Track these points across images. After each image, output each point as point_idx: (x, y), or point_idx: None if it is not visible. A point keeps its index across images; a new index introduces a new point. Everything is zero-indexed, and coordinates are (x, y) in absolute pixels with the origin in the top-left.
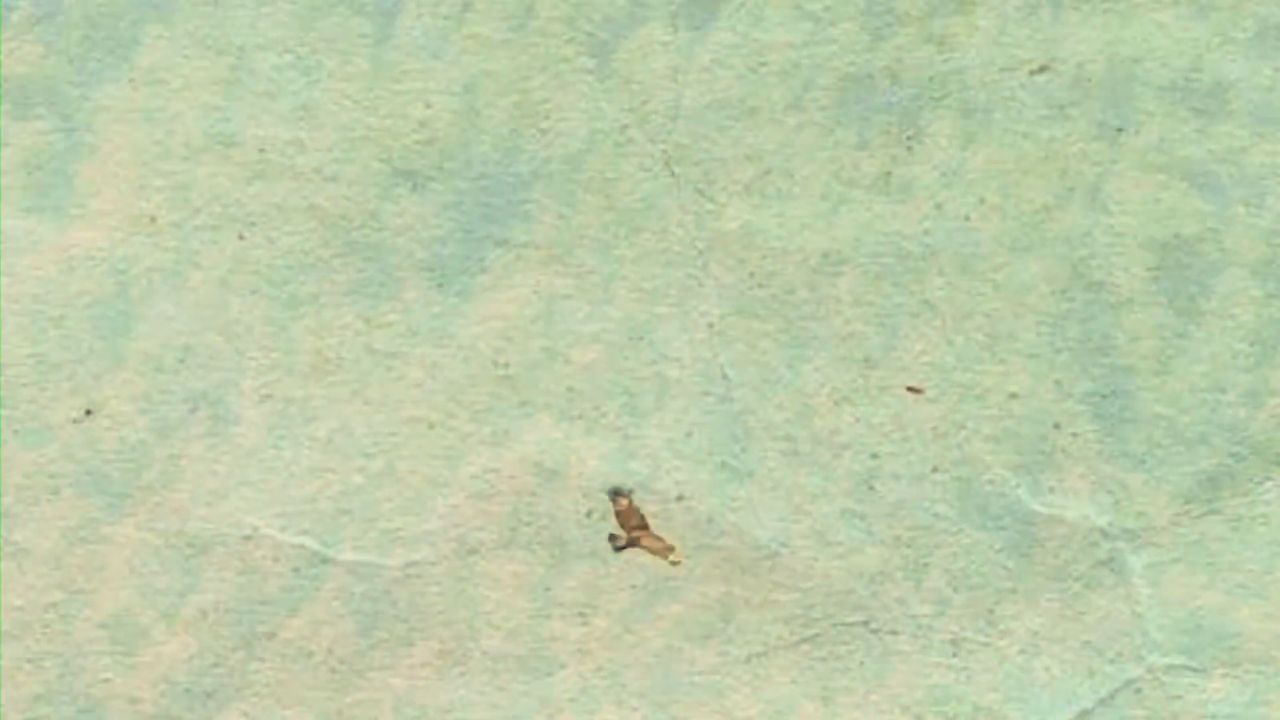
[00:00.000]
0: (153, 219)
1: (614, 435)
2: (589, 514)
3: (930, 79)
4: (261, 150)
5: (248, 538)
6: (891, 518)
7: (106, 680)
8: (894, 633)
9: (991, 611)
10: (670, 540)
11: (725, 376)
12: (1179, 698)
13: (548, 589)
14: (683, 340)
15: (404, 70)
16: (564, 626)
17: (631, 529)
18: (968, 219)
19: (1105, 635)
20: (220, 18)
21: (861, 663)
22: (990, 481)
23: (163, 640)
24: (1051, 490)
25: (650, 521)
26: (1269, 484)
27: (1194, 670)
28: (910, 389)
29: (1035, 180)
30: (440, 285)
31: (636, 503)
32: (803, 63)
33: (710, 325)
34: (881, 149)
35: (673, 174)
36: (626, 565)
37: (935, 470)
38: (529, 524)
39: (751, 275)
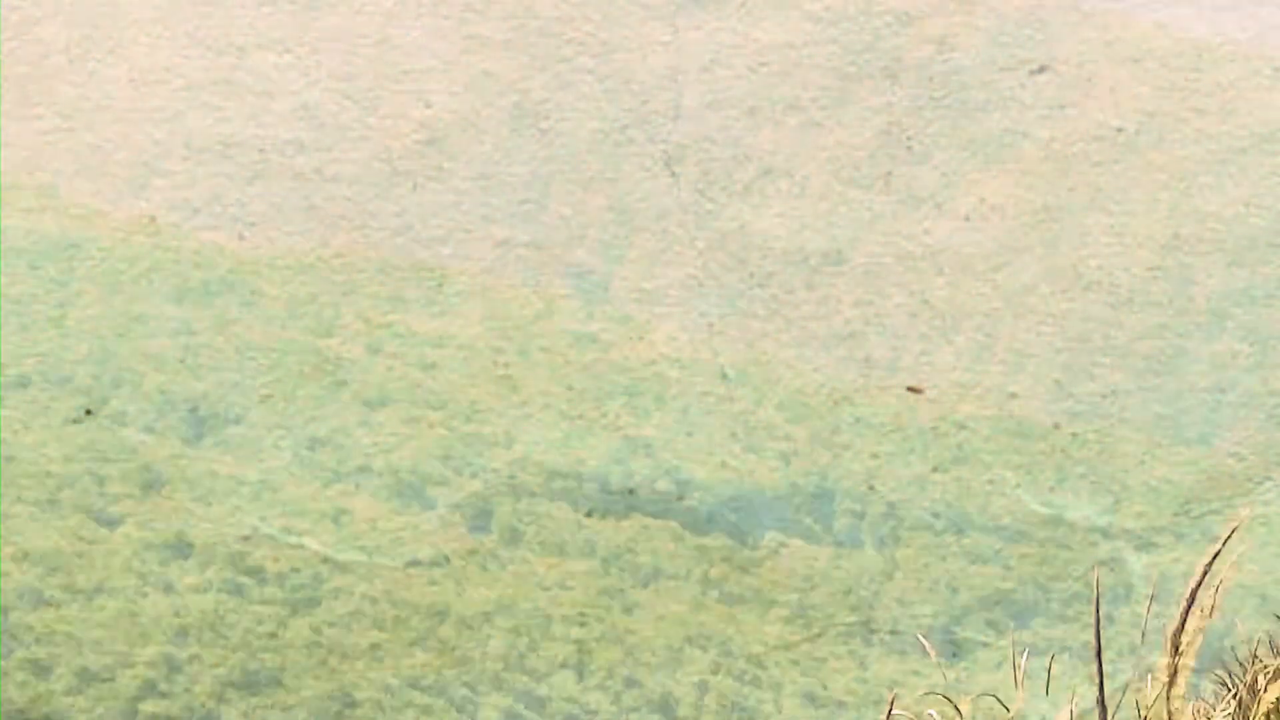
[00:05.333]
0: (152, 219)
1: (614, 435)
2: (589, 514)
3: (930, 79)
4: (261, 150)
5: (247, 538)
6: (891, 518)
7: (107, 680)
8: (894, 633)
9: (991, 611)
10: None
11: (725, 376)
12: (1179, 697)
13: (548, 589)
14: (683, 340)
15: (404, 70)
16: (564, 626)
17: None
18: (968, 219)
19: (1105, 635)
20: (220, 18)
21: (861, 663)
22: (990, 481)
23: (163, 640)
24: (1051, 490)
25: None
26: (1269, 484)
27: (1194, 670)
28: (910, 389)
29: (1035, 180)
30: (440, 285)
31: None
32: (803, 63)
33: (710, 325)
34: (881, 149)
35: (673, 174)
36: (626, 565)
37: (935, 470)
38: (529, 524)
39: (751, 275)
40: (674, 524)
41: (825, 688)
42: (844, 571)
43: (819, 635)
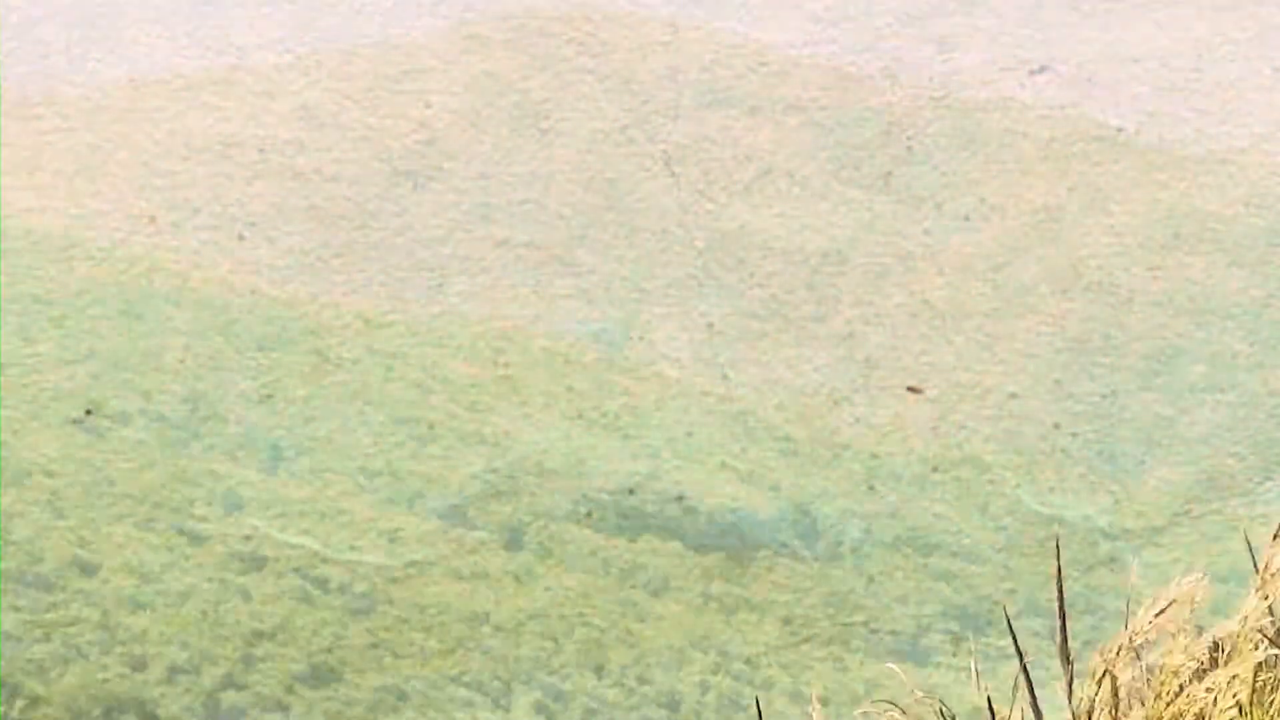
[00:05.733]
0: (153, 219)
1: (614, 435)
2: (589, 514)
3: (930, 79)
4: (261, 150)
5: (248, 538)
6: (891, 518)
7: (106, 680)
8: (894, 633)
9: (990, 612)
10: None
11: (725, 376)
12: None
13: (548, 589)
14: (683, 340)
15: (404, 70)
16: (564, 626)
17: None
18: (968, 219)
19: (1103, 635)
20: (220, 18)
21: (861, 663)
22: (990, 481)
23: (163, 640)
24: (1051, 490)
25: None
26: (1269, 484)
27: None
28: (910, 389)
29: (1035, 180)
30: (440, 285)
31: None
32: (803, 63)
33: (710, 325)
34: (881, 149)
35: (673, 174)
36: (626, 565)
37: (935, 470)
38: (529, 524)
39: (751, 275)
40: (674, 524)
41: (825, 688)
42: (844, 571)
43: (819, 635)
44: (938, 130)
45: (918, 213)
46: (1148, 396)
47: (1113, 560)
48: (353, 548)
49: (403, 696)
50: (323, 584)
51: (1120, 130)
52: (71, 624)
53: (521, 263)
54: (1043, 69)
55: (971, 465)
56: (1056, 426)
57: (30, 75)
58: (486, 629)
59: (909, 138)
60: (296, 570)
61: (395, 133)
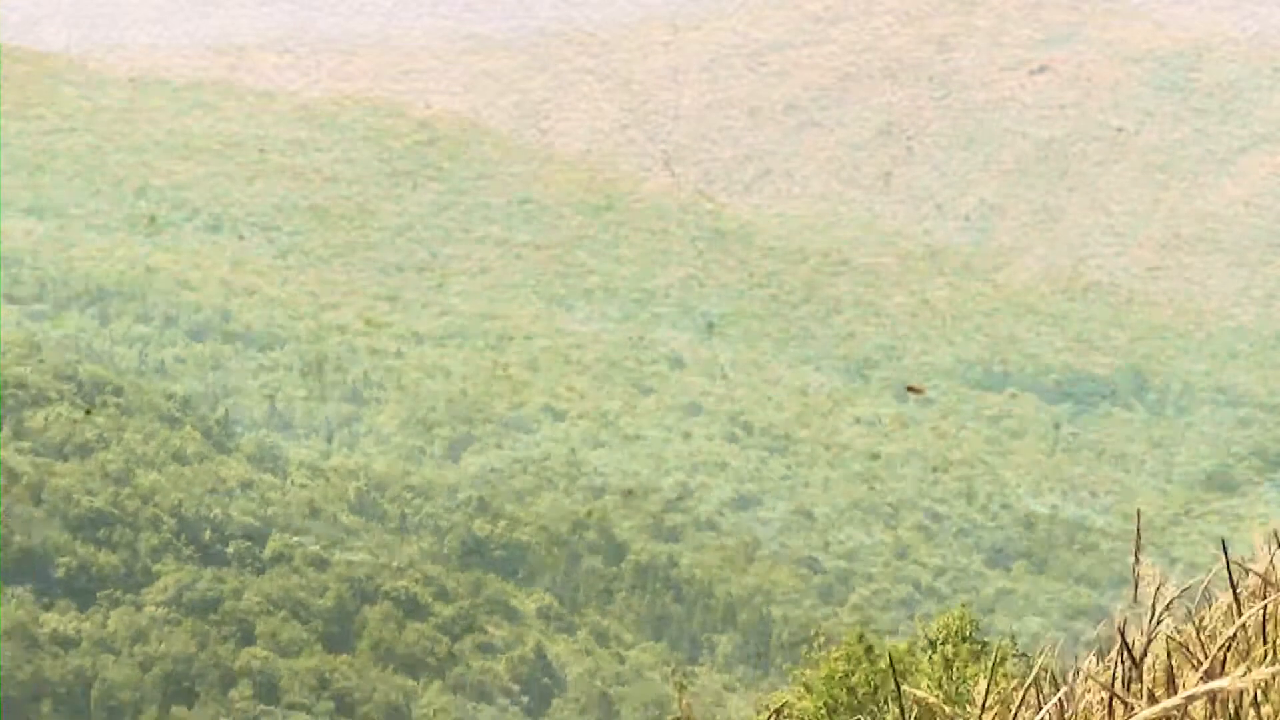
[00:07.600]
0: (152, 219)
1: (614, 435)
2: (589, 514)
3: (930, 79)
4: (261, 150)
5: (248, 536)
6: (891, 518)
7: (106, 679)
8: (894, 632)
9: (991, 611)
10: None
11: (725, 376)
12: None
13: (548, 589)
14: (683, 340)
15: (404, 70)
16: (564, 627)
17: None
18: (968, 219)
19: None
20: (220, 18)
21: (862, 662)
22: (990, 481)
23: (163, 640)
24: (1051, 490)
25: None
26: (1269, 484)
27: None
28: (910, 389)
29: (1035, 180)
30: (440, 285)
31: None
32: (803, 63)
33: (710, 325)
34: (881, 149)
35: (673, 174)
36: (626, 567)
37: (935, 470)
38: (529, 524)
39: (751, 275)
40: (674, 524)
41: (825, 686)
42: (844, 571)
43: (819, 635)
44: (938, 130)
45: (918, 213)
46: (1148, 396)
47: (1112, 560)
48: (769, 399)
49: (810, 517)
50: (748, 428)
51: (1120, 130)
52: (545, 459)
53: (521, 262)
54: (1043, 69)
55: (971, 465)
56: (1056, 427)
57: (30, 75)
58: (488, 628)
59: (909, 138)
60: (295, 570)
61: (395, 133)
